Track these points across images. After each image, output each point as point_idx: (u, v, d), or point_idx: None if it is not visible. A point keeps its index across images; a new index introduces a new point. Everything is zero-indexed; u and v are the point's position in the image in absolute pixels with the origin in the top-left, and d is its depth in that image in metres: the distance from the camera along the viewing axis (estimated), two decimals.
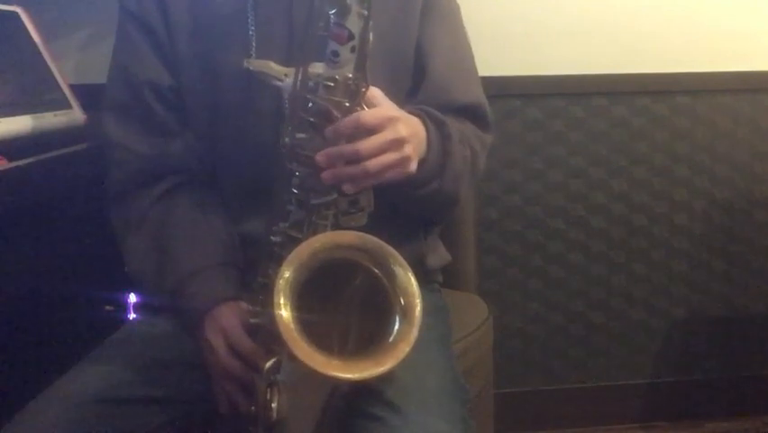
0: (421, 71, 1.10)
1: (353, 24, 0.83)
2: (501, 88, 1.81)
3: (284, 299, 0.82)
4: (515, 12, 1.82)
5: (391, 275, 0.87)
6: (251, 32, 1.04)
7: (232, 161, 1.08)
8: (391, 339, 0.84)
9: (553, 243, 1.95)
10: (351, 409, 0.89)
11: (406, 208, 1.02)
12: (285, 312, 0.81)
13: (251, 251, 1.03)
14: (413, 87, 1.10)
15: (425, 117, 0.99)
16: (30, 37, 1.30)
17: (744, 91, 1.93)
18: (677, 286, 1.99)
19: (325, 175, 0.87)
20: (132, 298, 1.25)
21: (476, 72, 1.17)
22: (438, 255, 1.21)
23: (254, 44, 1.04)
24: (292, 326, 0.81)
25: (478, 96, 1.14)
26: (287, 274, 0.83)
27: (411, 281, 0.87)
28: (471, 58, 1.18)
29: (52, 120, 1.24)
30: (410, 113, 0.97)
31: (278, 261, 0.90)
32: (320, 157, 0.86)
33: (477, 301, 1.49)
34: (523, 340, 1.97)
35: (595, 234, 1.95)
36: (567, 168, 1.92)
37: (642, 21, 1.86)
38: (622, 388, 2.01)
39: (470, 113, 1.11)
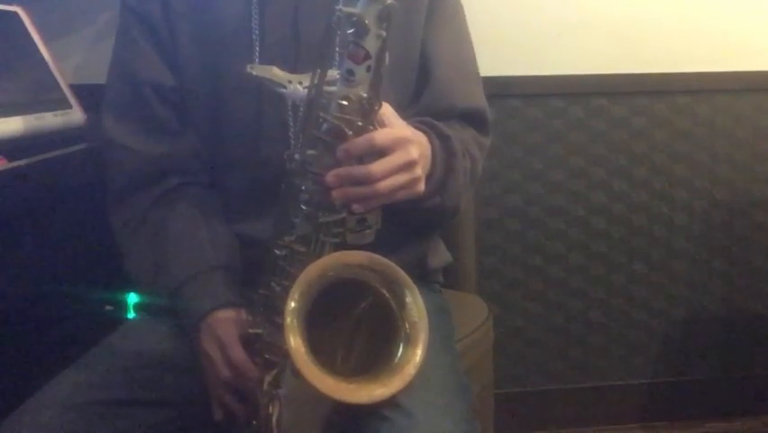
0: (425, 75, 1.10)
1: (371, 45, 0.82)
2: (501, 88, 1.81)
3: (294, 323, 0.82)
4: (515, 12, 1.82)
5: (398, 297, 0.87)
6: (254, 37, 1.03)
7: (234, 164, 1.07)
8: (397, 360, 0.85)
9: (553, 243, 1.95)
10: (357, 409, 0.89)
11: (406, 220, 1.02)
12: (294, 336, 0.81)
13: (251, 252, 1.03)
14: (416, 89, 1.10)
15: (431, 134, 0.99)
16: (30, 37, 1.30)
17: (744, 91, 1.93)
18: (677, 286, 1.99)
19: (336, 193, 0.86)
20: (132, 298, 1.25)
21: (478, 75, 1.17)
22: (439, 256, 1.21)
23: (257, 50, 1.03)
24: (302, 349, 0.81)
25: (480, 100, 1.14)
26: (296, 296, 0.83)
27: (418, 304, 0.87)
28: (474, 61, 1.17)
29: (52, 120, 1.24)
30: (416, 128, 0.97)
31: (283, 274, 0.91)
32: (330, 177, 0.85)
33: (477, 301, 1.49)
34: (523, 340, 1.97)
35: (595, 234, 1.95)
36: (567, 168, 1.92)
37: (642, 21, 1.86)
38: (622, 388, 2.01)
39: (471, 118, 1.12)
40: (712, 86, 1.91)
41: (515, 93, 1.86)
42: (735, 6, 1.88)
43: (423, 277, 1.16)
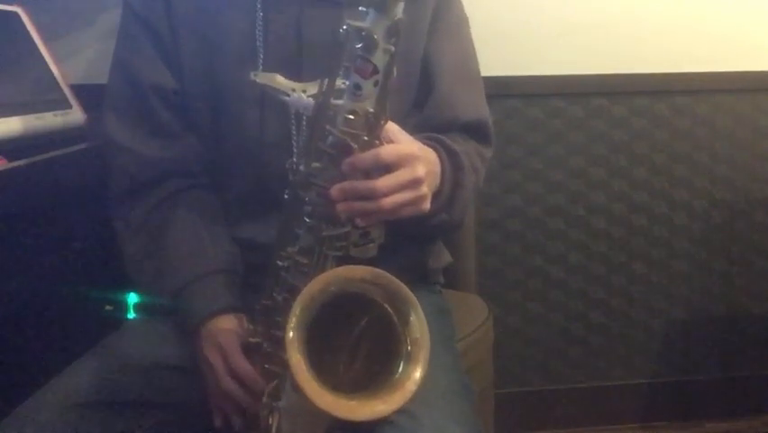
0: (428, 84, 1.09)
1: (379, 59, 0.81)
2: (501, 88, 1.81)
3: (295, 338, 0.82)
4: (515, 12, 1.82)
5: (400, 312, 0.86)
6: (258, 44, 1.03)
7: (236, 168, 1.07)
8: (397, 376, 0.85)
9: (553, 243, 1.95)
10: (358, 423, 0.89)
11: (411, 233, 1.02)
12: (295, 352, 0.81)
13: (252, 256, 1.03)
14: (418, 99, 1.10)
15: (440, 150, 0.99)
16: (30, 37, 1.30)
17: (744, 91, 1.93)
18: (677, 286, 1.99)
19: (340, 207, 0.86)
20: (132, 298, 1.25)
21: (481, 85, 1.17)
22: (440, 257, 1.21)
23: (261, 57, 1.02)
24: (303, 365, 0.81)
25: (482, 112, 1.14)
26: (298, 310, 0.82)
27: (420, 320, 0.86)
28: (477, 71, 1.17)
29: (52, 120, 1.24)
30: (425, 144, 0.96)
31: (285, 285, 0.91)
32: (335, 191, 0.85)
33: (477, 301, 1.49)
34: (523, 340, 1.97)
35: (595, 234, 1.95)
36: (567, 168, 1.92)
37: (642, 21, 1.86)
38: (622, 388, 2.01)
39: (474, 130, 1.11)
40: (712, 86, 1.91)
41: (515, 93, 1.86)
42: (735, 6, 1.88)
43: (423, 278, 1.16)
